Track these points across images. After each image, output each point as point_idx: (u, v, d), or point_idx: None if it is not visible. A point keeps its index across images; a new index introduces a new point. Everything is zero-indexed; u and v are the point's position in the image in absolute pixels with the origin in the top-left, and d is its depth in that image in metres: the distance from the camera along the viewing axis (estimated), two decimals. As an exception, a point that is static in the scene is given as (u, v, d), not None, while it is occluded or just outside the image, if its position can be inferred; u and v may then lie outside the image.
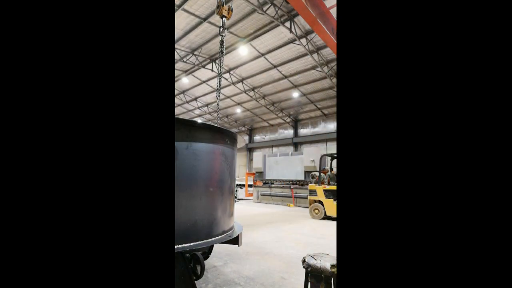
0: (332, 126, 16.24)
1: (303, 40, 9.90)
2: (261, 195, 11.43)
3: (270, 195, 11.01)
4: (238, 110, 17.90)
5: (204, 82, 14.66)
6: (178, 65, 12.79)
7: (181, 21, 9.47)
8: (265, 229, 5.04)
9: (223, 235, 1.97)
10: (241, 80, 13.77)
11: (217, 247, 3.35)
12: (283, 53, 11.20)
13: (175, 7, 8.72)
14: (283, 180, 11.03)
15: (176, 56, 11.48)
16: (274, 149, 19.09)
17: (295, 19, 9.13)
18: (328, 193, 6.40)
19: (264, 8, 8.50)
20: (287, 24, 9.17)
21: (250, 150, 21.11)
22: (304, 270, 1.64)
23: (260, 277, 2.55)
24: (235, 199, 6.23)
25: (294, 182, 10.48)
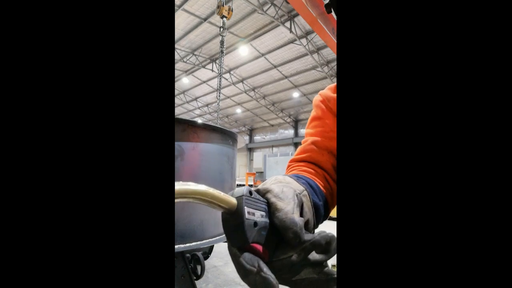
0: (332, 126, 16.19)
1: (303, 40, 9.91)
2: (261, 195, 11.38)
3: (270, 195, 10.97)
4: (239, 110, 17.93)
5: (204, 82, 14.68)
6: (178, 65, 12.80)
7: (181, 21, 9.49)
8: (265, 229, 5.03)
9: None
10: (241, 80, 13.79)
11: (217, 247, 3.35)
12: (283, 53, 11.21)
13: (175, 7, 8.73)
14: (283, 180, 10.98)
15: (176, 56, 11.50)
16: (275, 149, 19.11)
17: (295, 19, 9.14)
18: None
19: (264, 8, 8.51)
20: (287, 24, 9.18)
21: (250, 150, 21.14)
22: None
23: (260, 277, 2.55)
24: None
25: (294, 182, 10.44)
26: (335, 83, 0.66)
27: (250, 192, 0.35)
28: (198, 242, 1.74)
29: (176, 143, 1.69)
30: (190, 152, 1.76)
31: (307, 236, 0.35)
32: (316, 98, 0.68)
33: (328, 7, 0.66)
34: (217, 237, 1.93)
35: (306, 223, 0.41)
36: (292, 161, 0.64)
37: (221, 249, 3.46)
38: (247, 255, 0.32)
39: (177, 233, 1.65)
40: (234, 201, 0.33)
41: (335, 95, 0.63)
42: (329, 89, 0.68)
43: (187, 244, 1.68)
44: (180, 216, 1.68)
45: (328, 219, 0.56)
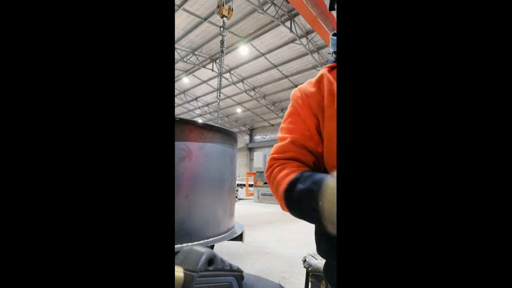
0: (332, 125, 16.15)
1: (304, 40, 9.90)
2: (261, 195, 11.43)
3: (271, 195, 11.01)
4: (239, 110, 17.92)
5: (204, 82, 14.67)
6: (179, 65, 12.79)
7: (182, 21, 9.47)
8: (266, 229, 5.05)
9: (228, 233, 2.06)
10: (242, 80, 13.78)
11: (218, 247, 3.36)
12: (284, 52, 11.19)
13: (176, 7, 8.72)
14: (283, 180, 10.95)
15: (177, 56, 11.49)
16: (275, 149, 19.03)
17: (296, 19, 9.12)
18: (328, 193, 6.37)
19: (265, 8, 8.50)
20: (288, 23, 9.16)
21: (250, 150, 21.12)
22: (304, 269, 1.65)
23: (260, 277, 2.55)
24: (236, 199, 6.27)
25: (295, 182, 10.41)
26: (315, 77, 0.65)
27: (210, 261, 0.23)
28: (208, 240, 1.80)
29: (183, 143, 1.72)
30: (197, 152, 1.79)
31: None
32: (295, 94, 0.66)
33: (332, 2, 0.65)
34: (224, 235, 1.98)
35: None
36: (273, 159, 0.63)
37: (222, 248, 3.46)
38: None
39: (185, 232, 1.69)
40: (179, 276, 0.22)
41: (314, 89, 0.62)
42: (308, 83, 0.66)
43: (201, 242, 1.74)
44: (188, 216, 1.72)
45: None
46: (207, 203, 1.86)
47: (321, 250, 0.64)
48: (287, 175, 0.56)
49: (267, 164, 0.65)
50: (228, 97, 15.78)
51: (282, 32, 9.94)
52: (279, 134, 0.67)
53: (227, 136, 2.08)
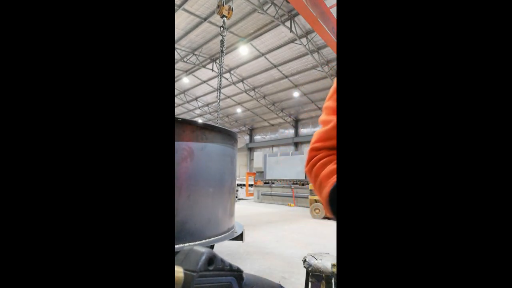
0: (332, 125, 16.12)
1: (304, 40, 9.90)
2: (261, 194, 11.43)
3: (270, 194, 11.01)
4: (239, 110, 17.92)
5: (204, 82, 14.68)
6: (179, 65, 12.79)
7: (182, 21, 9.48)
8: (266, 229, 5.05)
9: (229, 232, 2.07)
10: (242, 80, 13.78)
11: (218, 247, 3.36)
12: (284, 52, 11.20)
13: (176, 7, 8.73)
14: (283, 180, 11.01)
15: (177, 56, 11.49)
16: (275, 149, 19.08)
17: (296, 19, 9.12)
18: (328, 193, 6.36)
19: (265, 8, 8.50)
20: (288, 23, 9.16)
21: (250, 150, 21.12)
22: (304, 269, 1.65)
23: (260, 277, 2.54)
24: (236, 199, 6.28)
25: (295, 182, 10.47)
26: None
27: (210, 261, 0.24)
28: (210, 239, 1.81)
29: (185, 143, 1.73)
30: (199, 152, 1.81)
31: None
32: None
33: None
34: (224, 234, 1.99)
35: None
36: (314, 150, 0.51)
37: (222, 248, 3.46)
38: None
39: (187, 232, 1.70)
40: (179, 276, 0.22)
41: None
42: None
43: (203, 241, 1.75)
44: (190, 216, 1.73)
45: (329, 219, 0.53)
46: (208, 203, 1.87)
47: None
48: (331, 175, 0.46)
49: (307, 156, 0.53)
50: (228, 97, 15.78)
51: (282, 32, 9.94)
52: (322, 116, 0.54)
53: (227, 136, 2.09)
